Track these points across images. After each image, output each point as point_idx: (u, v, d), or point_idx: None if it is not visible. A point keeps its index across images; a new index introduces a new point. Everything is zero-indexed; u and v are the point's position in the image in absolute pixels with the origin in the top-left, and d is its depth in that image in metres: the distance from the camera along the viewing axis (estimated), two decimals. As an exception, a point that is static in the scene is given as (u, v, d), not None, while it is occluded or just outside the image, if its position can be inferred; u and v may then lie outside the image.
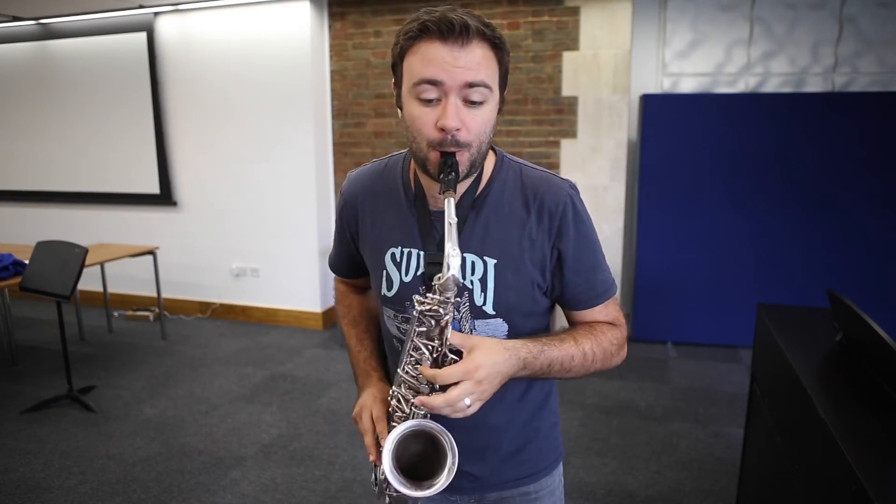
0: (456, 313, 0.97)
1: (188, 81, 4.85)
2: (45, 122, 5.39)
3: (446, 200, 0.86)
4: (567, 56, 4.19)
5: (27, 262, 3.43)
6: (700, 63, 4.27)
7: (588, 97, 4.20)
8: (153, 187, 5.14)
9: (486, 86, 0.87)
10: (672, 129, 4.13)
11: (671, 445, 2.99)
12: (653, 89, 4.34)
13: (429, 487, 0.88)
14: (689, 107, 4.10)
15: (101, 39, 5.03)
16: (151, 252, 4.39)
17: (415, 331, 0.90)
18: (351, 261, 1.17)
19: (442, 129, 0.86)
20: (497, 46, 0.88)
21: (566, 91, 4.23)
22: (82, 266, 3.24)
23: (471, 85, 0.85)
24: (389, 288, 1.03)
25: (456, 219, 0.85)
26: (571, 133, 4.28)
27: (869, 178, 3.91)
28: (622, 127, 4.18)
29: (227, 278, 5.08)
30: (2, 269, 3.50)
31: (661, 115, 4.14)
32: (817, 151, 3.95)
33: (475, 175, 0.98)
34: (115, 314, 5.15)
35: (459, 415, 0.85)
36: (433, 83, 0.85)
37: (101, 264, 4.45)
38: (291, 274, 4.85)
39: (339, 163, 4.82)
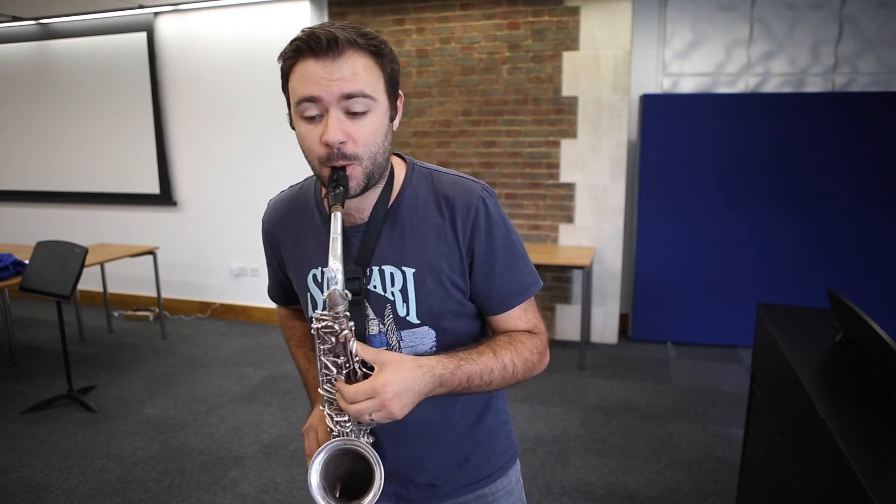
0: (381, 325, 0.98)
1: (188, 81, 4.85)
2: (46, 123, 5.39)
3: (332, 215, 0.85)
4: (567, 56, 4.19)
5: (27, 262, 3.43)
6: (700, 63, 4.27)
7: (588, 97, 4.20)
8: (153, 187, 5.14)
9: (366, 95, 0.86)
10: (672, 129, 4.13)
11: (671, 445, 2.99)
12: (653, 89, 4.34)
13: None
14: (689, 107, 4.10)
15: (101, 39, 5.03)
16: (151, 252, 4.39)
17: (320, 349, 0.90)
18: (284, 288, 1.17)
19: (326, 145, 0.86)
20: (376, 54, 0.88)
21: (566, 91, 4.23)
22: (82, 266, 3.24)
23: (349, 96, 0.85)
24: (315, 309, 1.03)
25: (340, 234, 0.84)
26: (571, 133, 4.28)
27: (869, 178, 3.91)
28: (622, 127, 4.18)
29: (227, 278, 5.08)
30: (2, 269, 3.50)
31: (661, 115, 4.14)
32: (817, 151, 3.95)
33: (383, 185, 0.98)
34: (115, 314, 5.15)
35: (364, 421, 0.86)
36: (312, 100, 0.86)
37: (101, 264, 4.45)
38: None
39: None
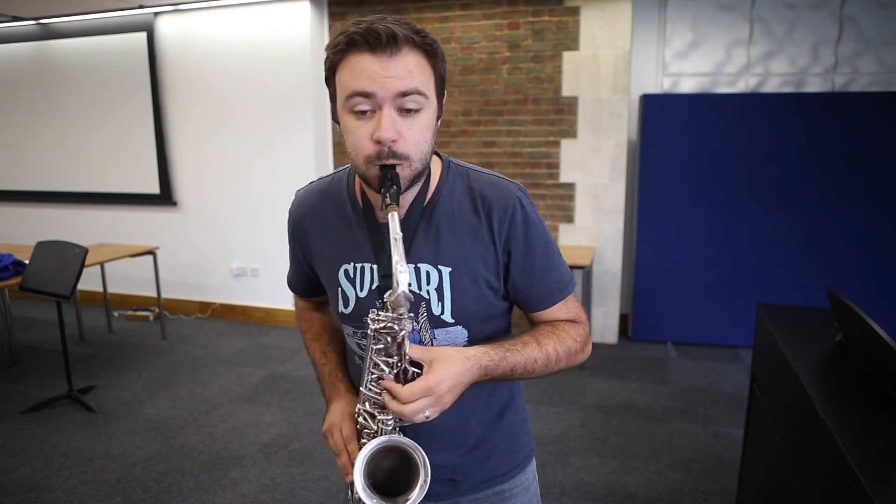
0: (415, 324, 0.98)
1: (188, 81, 4.85)
2: (45, 122, 5.39)
3: (390, 215, 0.84)
4: (567, 56, 4.19)
5: (27, 262, 3.43)
6: (700, 63, 4.27)
7: (588, 97, 4.20)
8: (153, 187, 5.14)
9: (421, 93, 0.86)
10: (672, 129, 4.13)
11: (671, 445, 2.99)
12: (653, 89, 4.34)
13: (403, 503, 0.88)
14: (689, 107, 4.10)
15: (101, 39, 5.03)
16: (151, 252, 4.39)
17: (372, 349, 0.90)
18: (307, 280, 1.16)
19: (378, 142, 0.85)
20: (430, 53, 0.87)
21: (566, 91, 4.23)
22: (82, 266, 3.24)
23: (404, 94, 0.84)
24: (346, 305, 1.03)
25: (401, 234, 0.83)
26: (571, 133, 4.28)
27: (869, 178, 3.91)
28: (622, 127, 4.18)
29: (227, 278, 5.08)
30: (2, 269, 3.50)
31: (661, 115, 4.14)
32: (817, 151, 3.95)
33: (421, 183, 0.97)
34: (115, 314, 5.15)
35: (418, 420, 0.86)
36: (365, 95, 0.84)
37: (101, 264, 4.45)
38: (291, 274, 4.84)
39: (340, 163, 4.82)
